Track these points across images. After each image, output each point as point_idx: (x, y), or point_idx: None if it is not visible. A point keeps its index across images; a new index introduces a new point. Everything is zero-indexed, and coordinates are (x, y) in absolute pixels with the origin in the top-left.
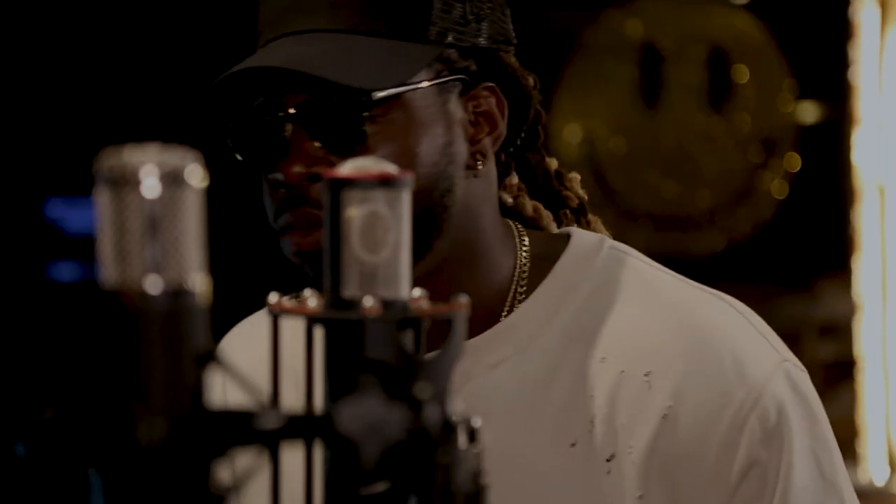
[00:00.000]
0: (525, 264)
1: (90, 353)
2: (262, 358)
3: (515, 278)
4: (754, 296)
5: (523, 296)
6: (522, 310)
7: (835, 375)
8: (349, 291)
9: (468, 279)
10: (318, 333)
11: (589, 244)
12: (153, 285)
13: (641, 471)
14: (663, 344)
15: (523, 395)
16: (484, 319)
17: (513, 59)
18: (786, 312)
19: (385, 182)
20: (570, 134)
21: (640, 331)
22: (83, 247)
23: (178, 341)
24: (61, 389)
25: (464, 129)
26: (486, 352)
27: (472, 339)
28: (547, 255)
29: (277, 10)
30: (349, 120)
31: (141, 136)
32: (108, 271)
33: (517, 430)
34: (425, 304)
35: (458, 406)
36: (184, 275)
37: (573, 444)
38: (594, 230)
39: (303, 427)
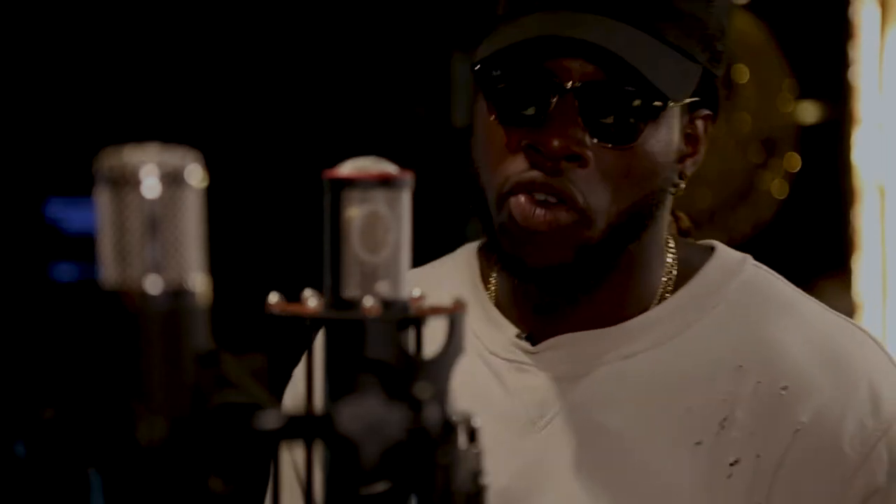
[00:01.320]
0: (672, 269)
1: (90, 353)
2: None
3: (664, 279)
4: None
5: (668, 296)
6: (663, 308)
7: None
8: (349, 291)
9: (630, 277)
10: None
11: (734, 257)
12: (153, 285)
13: (765, 480)
14: (803, 363)
15: (653, 388)
16: (630, 313)
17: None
18: None
19: (385, 182)
20: None
21: (781, 347)
22: (83, 247)
23: (178, 341)
24: (61, 389)
25: (681, 147)
26: (622, 342)
27: (611, 328)
28: (692, 262)
29: None
30: (632, 116)
31: (141, 136)
32: (108, 271)
33: (642, 422)
34: (425, 304)
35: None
36: (184, 275)
37: (698, 443)
38: None
39: (303, 427)
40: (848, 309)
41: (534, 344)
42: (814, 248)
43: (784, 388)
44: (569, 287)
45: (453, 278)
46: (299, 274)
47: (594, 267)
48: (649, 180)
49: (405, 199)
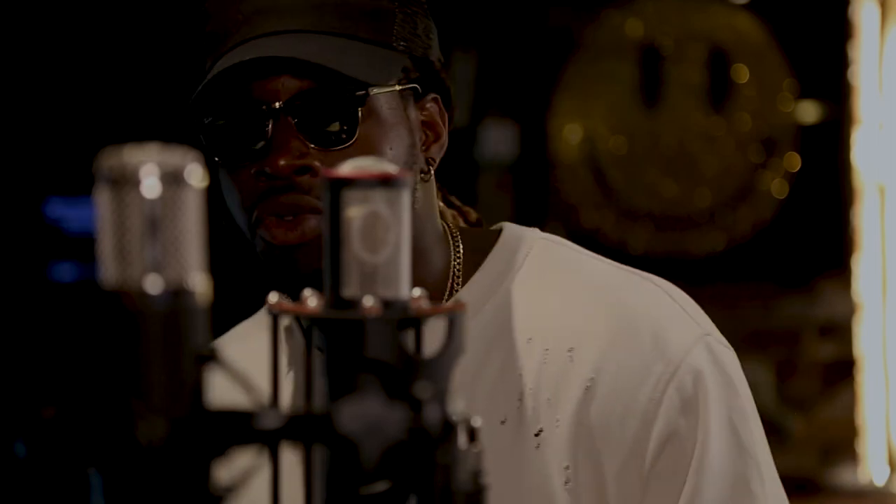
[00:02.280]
0: (459, 260)
1: (90, 352)
2: (261, 358)
3: (451, 274)
4: (754, 296)
5: (459, 288)
6: (453, 300)
7: (835, 375)
8: (349, 291)
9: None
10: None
11: (518, 236)
12: (153, 285)
13: (568, 443)
14: (585, 321)
15: (455, 380)
16: None
17: (445, 74)
18: (786, 312)
19: (385, 182)
20: (570, 134)
21: (565, 311)
22: (83, 247)
23: (178, 341)
24: (61, 389)
25: (417, 135)
26: None
27: None
28: (480, 249)
29: (248, 12)
30: (342, 114)
31: (141, 136)
32: (108, 271)
33: None
34: (425, 304)
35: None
36: (184, 275)
37: (503, 422)
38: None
39: (303, 427)
40: (848, 309)
41: None
42: (814, 248)
43: (570, 350)
44: None
45: (256, 334)
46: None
47: None
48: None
49: (405, 199)
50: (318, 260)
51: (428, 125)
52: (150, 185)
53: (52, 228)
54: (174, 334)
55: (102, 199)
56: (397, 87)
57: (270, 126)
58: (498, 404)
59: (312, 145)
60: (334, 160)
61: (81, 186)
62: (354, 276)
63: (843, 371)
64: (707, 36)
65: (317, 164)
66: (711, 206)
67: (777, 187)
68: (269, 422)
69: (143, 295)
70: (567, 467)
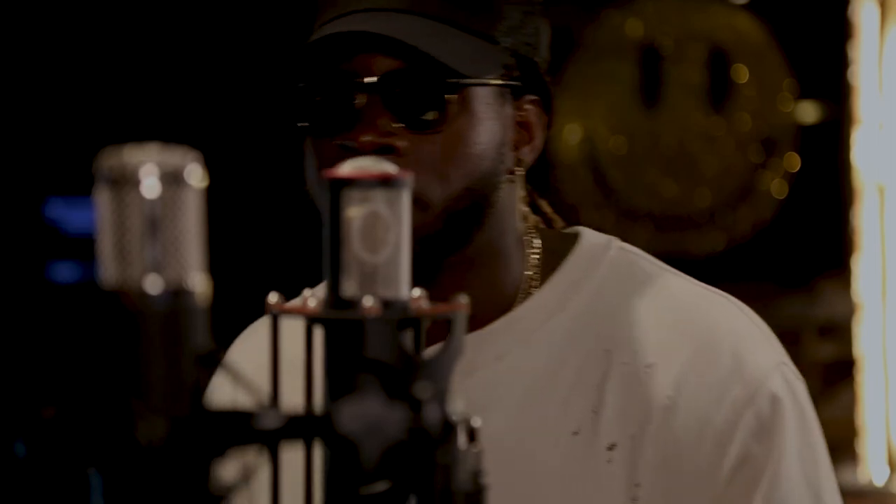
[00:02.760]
0: (537, 262)
1: (90, 353)
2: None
3: (529, 273)
4: (754, 296)
5: (533, 292)
6: (527, 305)
7: (835, 375)
8: (349, 291)
9: (488, 276)
10: (318, 333)
11: (598, 243)
12: (153, 285)
13: (640, 460)
14: (666, 338)
15: (527, 386)
16: (496, 314)
17: (549, 77)
18: (786, 312)
19: (385, 182)
20: (570, 134)
21: (644, 325)
22: (83, 247)
23: (178, 341)
24: (61, 389)
25: (510, 135)
26: (491, 344)
27: (477, 331)
28: (557, 252)
29: None
30: (434, 99)
31: (141, 136)
32: (108, 271)
33: (522, 420)
34: (425, 304)
35: (459, 402)
36: (184, 275)
37: (575, 433)
38: None
39: (303, 427)
40: (848, 309)
41: None
42: (814, 248)
43: (649, 366)
44: (417, 279)
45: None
46: (299, 274)
47: (440, 254)
48: (474, 164)
49: (405, 199)
50: None
51: (523, 125)
52: (150, 185)
53: (51, 228)
54: (174, 334)
55: (102, 199)
56: (494, 83)
57: (360, 100)
58: (571, 414)
59: (399, 125)
60: (420, 144)
61: (81, 186)
62: (354, 276)
63: (842, 371)
64: (707, 36)
65: (401, 144)
66: (711, 206)
67: (777, 187)
68: (269, 422)
69: (143, 295)
70: (637, 484)
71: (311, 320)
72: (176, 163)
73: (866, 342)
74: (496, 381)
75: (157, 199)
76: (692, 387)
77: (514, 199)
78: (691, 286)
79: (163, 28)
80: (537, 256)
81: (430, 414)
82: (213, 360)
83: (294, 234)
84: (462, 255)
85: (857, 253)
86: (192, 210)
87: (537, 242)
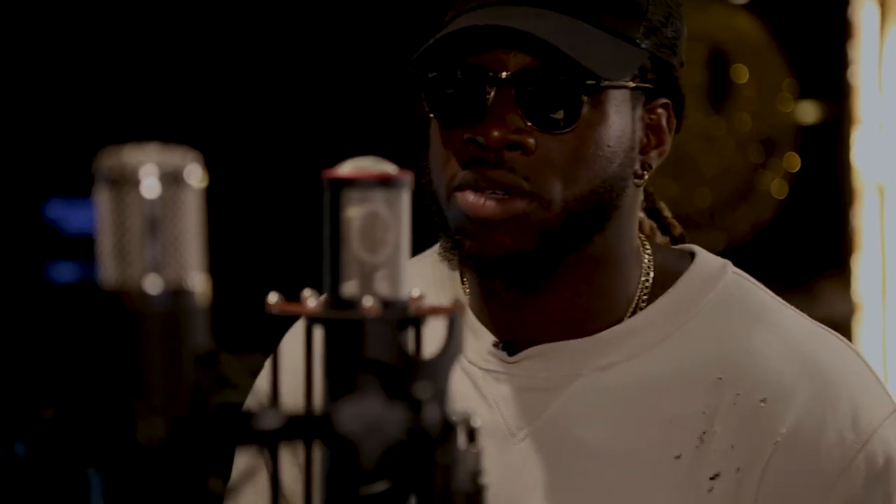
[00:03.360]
0: (649, 275)
1: (90, 353)
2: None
3: (640, 287)
4: None
5: (644, 304)
6: (640, 318)
7: None
8: (349, 291)
9: (603, 281)
10: (318, 333)
11: (713, 265)
12: (153, 285)
13: (746, 494)
14: (782, 374)
15: (631, 401)
16: (606, 322)
17: (682, 81)
18: None
19: (384, 182)
20: None
21: (760, 358)
22: (83, 247)
23: (177, 341)
24: (61, 389)
25: (640, 137)
26: (597, 354)
27: (587, 338)
28: (671, 269)
29: None
30: (567, 99)
31: (141, 136)
32: (108, 271)
33: (620, 435)
34: (425, 304)
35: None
36: (184, 275)
37: (678, 457)
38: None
39: (303, 427)
40: (848, 309)
41: (511, 353)
42: (813, 248)
43: (763, 401)
44: (532, 277)
45: (429, 282)
46: (299, 274)
47: (557, 254)
48: (602, 166)
49: (405, 199)
50: (510, 243)
51: (653, 129)
52: (150, 185)
53: (51, 228)
54: (174, 334)
55: (102, 199)
56: (630, 85)
57: (492, 95)
58: (674, 438)
59: (529, 123)
60: (550, 143)
61: (81, 186)
62: (354, 275)
63: None
64: (707, 36)
65: (531, 141)
66: (711, 206)
67: (777, 187)
68: (269, 422)
69: (143, 295)
70: None
71: (311, 320)
72: (176, 163)
73: (866, 342)
74: (600, 390)
75: (157, 199)
76: (807, 429)
77: (636, 204)
78: (808, 323)
79: (162, 28)
80: (649, 269)
81: (430, 414)
82: (213, 360)
83: (294, 234)
84: (579, 257)
85: (856, 253)
86: (192, 210)
87: (650, 254)
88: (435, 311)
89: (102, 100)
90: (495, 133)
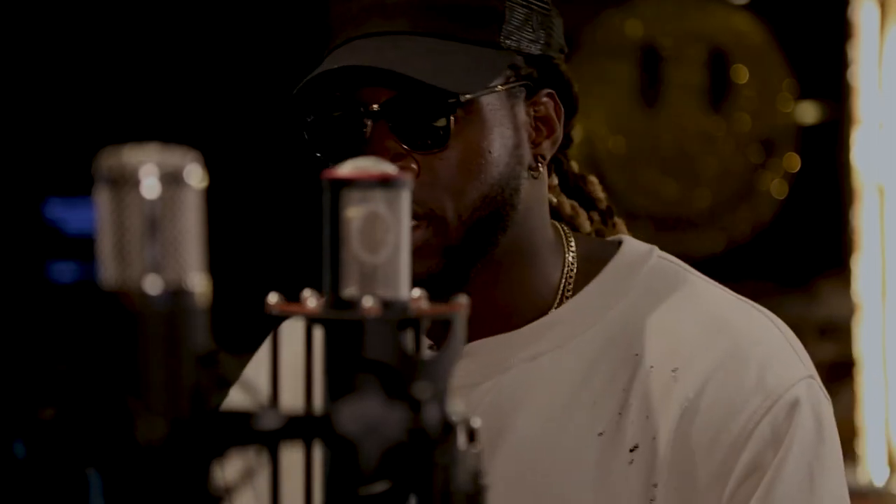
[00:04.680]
0: (573, 265)
1: (90, 353)
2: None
3: (563, 278)
4: (754, 296)
5: (570, 294)
6: (565, 308)
7: (834, 375)
8: (349, 291)
9: (521, 275)
10: (318, 333)
11: (638, 252)
12: (153, 285)
13: (660, 461)
14: (694, 344)
15: (559, 387)
16: (531, 315)
17: (565, 67)
18: (785, 312)
19: (384, 182)
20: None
21: (675, 332)
22: (83, 247)
23: (177, 341)
24: (61, 389)
25: (527, 132)
26: (525, 345)
27: (514, 332)
28: (596, 259)
29: (356, 10)
30: (434, 119)
31: (141, 136)
32: (108, 271)
33: (551, 420)
34: (425, 304)
35: (459, 406)
36: (183, 275)
37: (601, 434)
38: (619, 231)
39: (302, 427)
40: (847, 309)
41: None
42: (813, 248)
43: (675, 370)
44: (446, 291)
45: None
46: (299, 274)
47: (466, 265)
48: (489, 172)
49: (404, 200)
50: (419, 272)
51: (541, 120)
52: (150, 186)
53: (51, 228)
54: (174, 334)
55: (102, 200)
56: (499, 88)
57: (369, 127)
58: (598, 416)
59: (407, 147)
60: (431, 162)
61: (81, 186)
62: (354, 276)
63: (842, 371)
64: (707, 36)
65: (413, 166)
66: (711, 206)
67: (777, 188)
68: (269, 422)
69: (143, 295)
70: (655, 485)
71: (311, 320)
72: (176, 163)
73: (866, 342)
74: (529, 381)
75: (157, 199)
76: (713, 393)
77: (540, 196)
78: (727, 296)
79: (162, 28)
80: (573, 260)
81: (430, 414)
82: (213, 360)
83: (294, 234)
84: (490, 258)
85: (856, 253)
86: (192, 210)
87: (573, 246)
88: (434, 311)
89: (102, 100)
90: None
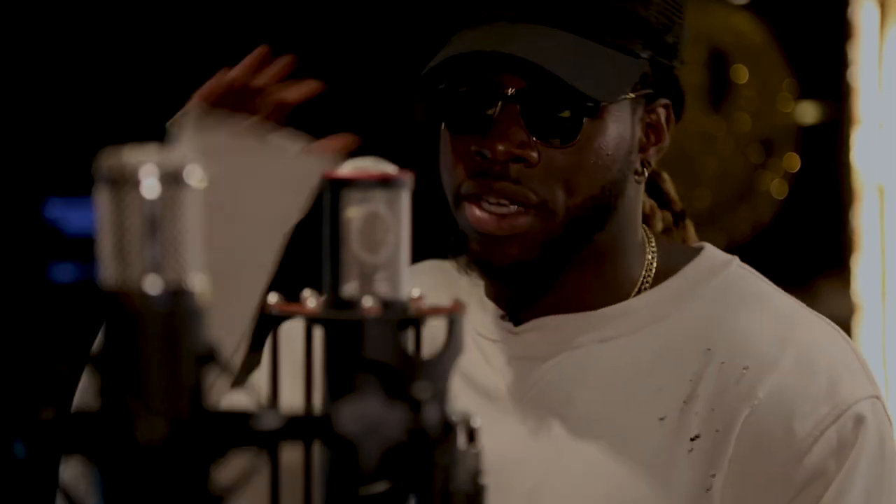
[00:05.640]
0: (652, 263)
1: (90, 353)
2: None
3: (643, 275)
4: None
5: (647, 289)
6: (642, 298)
7: None
8: (349, 291)
9: (604, 268)
10: (318, 333)
11: (719, 259)
12: (153, 285)
13: (721, 454)
14: (768, 346)
15: (626, 371)
16: (607, 303)
17: (682, 77)
18: None
19: (384, 182)
20: None
21: (749, 333)
22: (83, 247)
23: (177, 341)
24: (61, 389)
25: (639, 138)
26: (597, 326)
27: (587, 313)
28: (676, 260)
29: None
30: (566, 117)
31: (141, 136)
32: (108, 271)
33: (613, 399)
34: (425, 304)
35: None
36: (183, 275)
37: (662, 419)
38: (688, 233)
39: (302, 427)
40: (847, 309)
41: (516, 325)
42: (813, 248)
43: (746, 368)
44: (537, 280)
45: (435, 274)
46: (299, 274)
47: (560, 258)
48: (602, 173)
49: (405, 200)
50: (516, 255)
51: (652, 128)
52: (150, 186)
53: (51, 228)
54: (174, 334)
55: (102, 200)
56: (630, 96)
57: (498, 108)
58: (661, 402)
59: (533, 138)
60: (552, 156)
61: (81, 186)
62: (354, 276)
63: None
64: (707, 36)
65: (533, 155)
66: (711, 206)
67: (776, 188)
68: (269, 422)
69: (143, 295)
70: (713, 475)
71: (311, 320)
72: (176, 163)
73: (866, 342)
74: (597, 361)
75: (157, 199)
76: (782, 395)
77: (638, 199)
78: (801, 309)
79: (162, 28)
80: (652, 260)
81: (430, 414)
82: (213, 360)
83: (294, 234)
84: (581, 254)
85: (856, 253)
86: (192, 210)
87: (654, 248)
88: (435, 311)
89: (102, 100)
90: (500, 147)
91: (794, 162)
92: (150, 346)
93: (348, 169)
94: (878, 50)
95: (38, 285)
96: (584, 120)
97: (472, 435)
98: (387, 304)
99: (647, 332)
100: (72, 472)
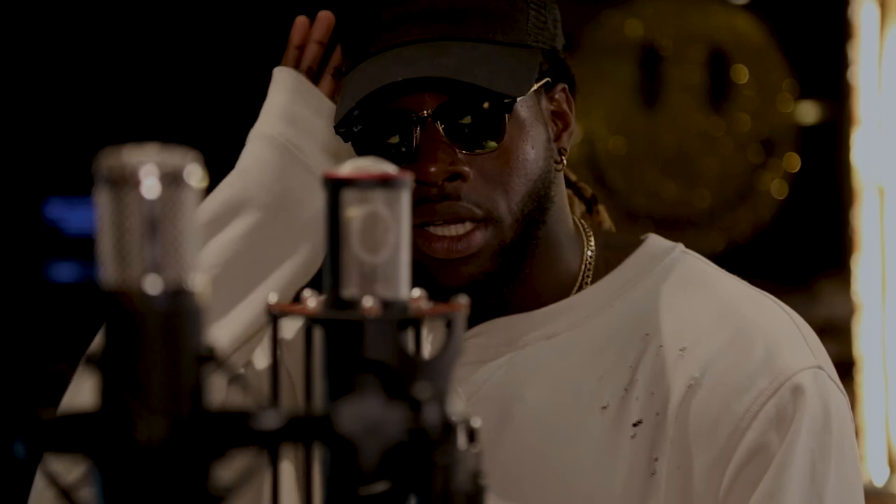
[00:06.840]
0: (592, 256)
1: (86, 352)
2: None
3: (583, 267)
4: None
5: (588, 282)
6: (583, 294)
7: None
8: (349, 291)
9: (545, 263)
10: (318, 333)
11: (662, 246)
12: (153, 285)
13: (663, 437)
14: (704, 326)
15: (570, 364)
16: (550, 300)
17: (569, 60)
18: None
19: (384, 182)
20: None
21: (687, 315)
22: (83, 247)
23: (177, 341)
24: (61, 388)
25: (550, 127)
26: (541, 324)
27: (531, 312)
28: (618, 251)
29: (389, 17)
30: (488, 121)
31: (141, 136)
32: (108, 271)
33: (559, 395)
34: (425, 304)
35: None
36: (183, 275)
37: (604, 408)
38: (603, 219)
39: (302, 427)
40: (847, 309)
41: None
42: (813, 249)
43: (683, 349)
44: (496, 288)
45: None
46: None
47: (516, 263)
48: (531, 169)
49: (404, 200)
50: (475, 273)
51: (557, 115)
52: (150, 186)
53: (51, 228)
54: (174, 334)
55: (102, 200)
56: (535, 87)
57: (418, 134)
58: (604, 391)
59: (463, 152)
60: (483, 164)
61: (81, 186)
62: (354, 276)
63: (842, 371)
64: (707, 36)
65: (466, 169)
66: (711, 206)
67: (777, 188)
68: (269, 422)
69: (143, 295)
70: (656, 459)
71: (311, 320)
72: (176, 163)
73: (866, 342)
74: (543, 358)
75: (157, 199)
76: (718, 371)
77: (562, 188)
78: (743, 286)
79: (162, 28)
80: (592, 253)
81: (430, 414)
82: (213, 360)
83: None
84: (528, 253)
85: (856, 253)
86: (192, 210)
87: (592, 239)
88: (434, 311)
89: (102, 100)
90: (432, 168)
91: (794, 162)
92: (150, 346)
93: (348, 169)
94: (878, 50)
95: (37, 285)
96: (505, 118)
97: (472, 435)
98: (387, 304)
99: (590, 325)
100: (70, 471)
